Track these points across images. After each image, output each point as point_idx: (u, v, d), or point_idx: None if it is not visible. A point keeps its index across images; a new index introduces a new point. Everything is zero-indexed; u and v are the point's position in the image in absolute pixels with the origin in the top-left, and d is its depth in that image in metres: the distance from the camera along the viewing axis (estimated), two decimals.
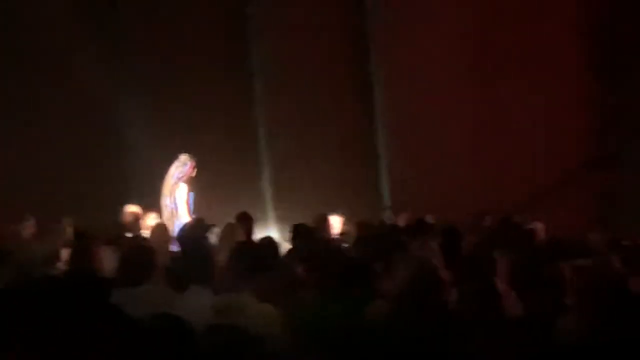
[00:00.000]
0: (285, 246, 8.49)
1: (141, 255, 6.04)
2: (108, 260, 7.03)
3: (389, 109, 14.34)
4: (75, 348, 2.43)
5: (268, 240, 7.28)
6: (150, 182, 12.43)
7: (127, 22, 14.29)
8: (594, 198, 14.74)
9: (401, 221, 10.92)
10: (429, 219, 10.33)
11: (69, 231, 9.00)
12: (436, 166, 13.89)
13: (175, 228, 9.99)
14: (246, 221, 8.99)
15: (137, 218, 11.05)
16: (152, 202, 11.48)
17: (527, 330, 5.07)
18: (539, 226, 10.29)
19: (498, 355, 4.73)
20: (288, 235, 9.07)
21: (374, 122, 14.59)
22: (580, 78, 14.74)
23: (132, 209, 11.28)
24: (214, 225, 8.88)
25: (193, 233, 7.87)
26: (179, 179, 11.22)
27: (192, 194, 11.24)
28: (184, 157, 11.37)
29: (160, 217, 10.85)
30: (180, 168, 11.30)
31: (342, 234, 10.87)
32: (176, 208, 11.02)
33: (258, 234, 9.48)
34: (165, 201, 11.21)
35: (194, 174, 11.35)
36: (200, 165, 11.59)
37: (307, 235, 8.22)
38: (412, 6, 14.08)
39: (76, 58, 13.52)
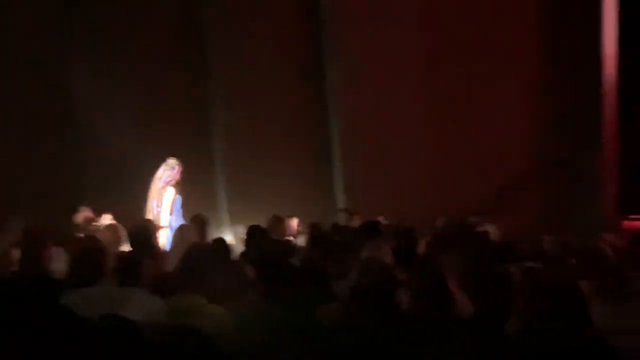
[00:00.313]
0: (239, 248, 8.47)
1: (92, 256, 5.98)
2: (58, 260, 6.96)
3: (343, 112, 14.37)
4: (25, 348, 2.40)
5: (220, 242, 7.25)
6: (106, 184, 12.37)
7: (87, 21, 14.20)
8: (548, 200, 14.89)
9: (355, 222, 10.94)
10: (383, 220, 10.36)
11: (18, 231, 8.90)
12: (390, 168, 13.95)
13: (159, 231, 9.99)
14: (200, 223, 8.95)
15: (89, 219, 10.99)
16: (108, 204, 11.45)
17: (477, 331, 5.09)
18: (491, 228, 10.36)
19: (449, 356, 4.75)
20: (242, 237, 9.07)
21: (328, 124, 14.60)
22: (534, 83, 14.90)
23: (84, 210, 11.23)
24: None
25: (139, 235, 7.80)
26: (167, 182, 11.21)
27: (179, 197, 11.25)
28: (172, 161, 11.38)
29: (113, 218, 10.81)
30: (168, 172, 11.33)
31: (296, 235, 10.87)
32: (164, 212, 11.02)
33: (213, 236, 9.45)
34: (152, 204, 11.20)
35: (180, 178, 11.38)
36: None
37: (261, 236, 8.21)
38: (366, 10, 14.12)
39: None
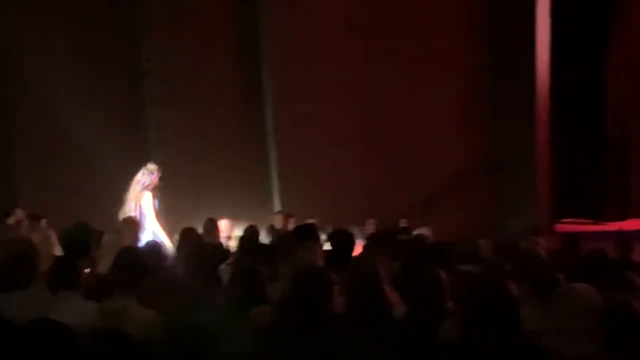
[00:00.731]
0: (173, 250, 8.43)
1: (23, 259, 5.89)
2: None
3: (279, 116, 14.38)
4: None
5: (152, 245, 7.20)
6: (42, 188, 12.25)
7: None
8: (481, 204, 15.06)
9: (290, 225, 10.95)
10: (317, 223, 10.38)
11: None
12: (325, 172, 13.99)
13: (141, 235, 10.01)
14: (132, 226, 8.89)
15: (21, 222, 10.87)
16: (45, 207, 11.37)
17: (410, 334, 5.12)
18: (425, 231, 10.43)
19: (382, 358, 4.77)
20: (176, 239, 9.02)
21: (265, 127, 14.60)
22: (468, 89, 15.07)
23: (17, 213, 11.11)
24: (103, 231, 8.75)
25: (73, 237, 7.70)
26: (145, 187, 11.18)
27: (156, 201, 11.25)
28: (151, 166, 11.36)
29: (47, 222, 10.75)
30: (147, 176, 11.31)
31: (230, 238, 10.84)
32: (142, 216, 10.99)
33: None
34: (130, 206, 11.18)
35: (158, 183, 11.36)
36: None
37: (194, 239, 8.16)
38: (300, 13, 14.15)
39: None
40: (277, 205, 14.13)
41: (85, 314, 5.19)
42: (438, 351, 4.82)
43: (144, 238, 9.90)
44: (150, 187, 11.19)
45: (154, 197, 11.22)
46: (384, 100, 14.59)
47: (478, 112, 15.17)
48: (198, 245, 7.73)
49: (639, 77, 17.04)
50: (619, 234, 12.48)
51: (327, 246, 7.94)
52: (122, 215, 10.88)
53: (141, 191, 11.08)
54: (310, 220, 10.33)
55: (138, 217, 10.81)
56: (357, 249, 8.22)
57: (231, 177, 14.01)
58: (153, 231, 10.69)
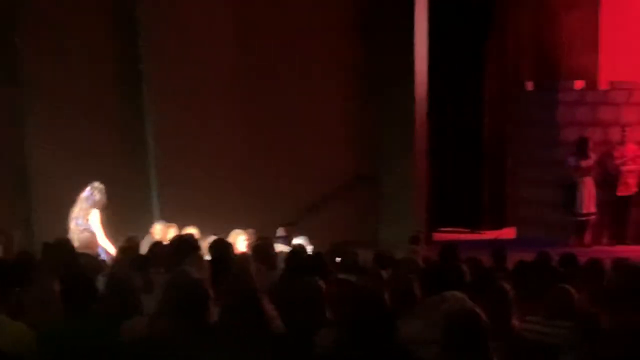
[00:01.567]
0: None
1: None
2: None
3: (159, 124, 14.22)
4: None
5: (23, 257, 7.02)
6: None
7: None
8: (362, 213, 15.19)
9: (170, 235, 10.83)
10: (197, 233, 10.31)
11: None
12: (206, 180, 13.91)
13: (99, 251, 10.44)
14: (5, 238, 8.69)
15: None
16: None
17: (287, 344, 5.11)
18: (304, 240, 10.48)
19: None
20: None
21: (145, 136, 14.42)
22: (347, 99, 15.21)
23: None
24: None
25: None
26: (92, 205, 11.42)
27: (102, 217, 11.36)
28: (96, 184, 11.66)
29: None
30: (95, 194, 11.53)
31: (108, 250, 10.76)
32: (92, 232, 11.12)
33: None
34: (77, 222, 11.15)
35: (105, 200, 11.67)
36: None
37: (68, 251, 7.98)
38: (177, 23, 14.07)
39: None
40: (156, 215, 13.95)
41: None
42: None
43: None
44: (99, 204, 11.43)
45: (102, 214, 11.50)
46: (264, 110, 14.60)
47: (357, 122, 15.30)
48: (71, 257, 7.57)
49: (514, 89, 17.45)
50: (494, 242, 12.77)
51: (207, 256, 7.90)
52: (71, 234, 10.88)
53: (89, 209, 11.30)
54: (190, 230, 10.28)
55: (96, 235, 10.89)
56: (237, 260, 8.19)
57: (110, 186, 13.77)
58: (102, 247, 10.81)
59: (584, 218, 15.44)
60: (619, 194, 15.60)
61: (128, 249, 8.23)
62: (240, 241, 10.87)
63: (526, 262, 8.70)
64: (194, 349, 4.81)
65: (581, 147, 15.40)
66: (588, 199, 15.35)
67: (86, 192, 11.65)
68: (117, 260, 8.06)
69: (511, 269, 8.68)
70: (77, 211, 11.49)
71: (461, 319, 4.58)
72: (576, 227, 15.63)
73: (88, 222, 11.39)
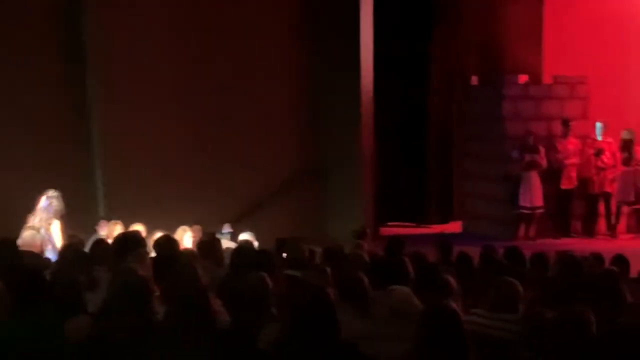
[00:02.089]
0: None
1: None
2: None
3: (104, 122, 14.12)
4: None
5: None
6: None
7: None
8: (309, 208, 15.20)
9: (115, 232, 10.75)
10: (143, 230, 10.25)
11: None
12: (152, 177, 13.84)
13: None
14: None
15: None
16: None
17: (232, 340, 5.09)
18: (250, 236, 10.46)
19: None
20: None
21: (90, 133, 14.30)
22: (294, 96, 15.20)
23: None
24: None
25: None
26: (52, 214, 10.99)
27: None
28: (51, 192, 11.18)
29: None
30: (52, 202, 11.07)
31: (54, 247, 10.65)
32: (52, 242, 10.73)
33: None
34: (41, 232, 10.86)
35: (63, 208, 11.22)
36: None
37: (11, 249, 7.87)
38: (123, 21, 13.98)
39: None
40: (102, 212, 13.84)
41: None
42: (259, 356, 4.82)
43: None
44: (58, 213, 11.09)
45: (61, 222, 11.12)
46: (210, 106, 14.54)
47: (304, 117, 15.30)
48: (14, 255, 7.48)
49: (460, 84, 17.58)
50: (440, 236, 12.84)
51: (152, 253, 7.84)
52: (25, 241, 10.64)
53: (50, 219, 10.95)
54: (137, 227, 10.20)
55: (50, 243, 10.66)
56: (183, 256, 8.14)
57: (54, 183, 13.61)
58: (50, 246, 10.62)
59: (530, 212, 15.58)
60: (562, 187, 15.78)
61: (71, 247, 8.13)
62: (186, 237, 10.84)
63: (465, 254, 8.79)
64: (138, 346, 4.77)
65: (526, 141, 15.56)
66: (533, 192, 15.50)
67: (43, 203, 11.18)
68: (60, 258, 7.96)
69: (454, 261, 8.74)
70: (37, 222, 11.25)
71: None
72: (522, 220, 15.77)
73: (50, 233, 11.15)
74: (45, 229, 10.91)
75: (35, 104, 13.83)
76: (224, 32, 14.66)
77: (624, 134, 15.95)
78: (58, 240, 10.86)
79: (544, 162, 15.54)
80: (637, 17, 17.33)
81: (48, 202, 11.24)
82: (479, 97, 16.70)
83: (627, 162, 15.80)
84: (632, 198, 15.78)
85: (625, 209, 16.06)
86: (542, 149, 15.53)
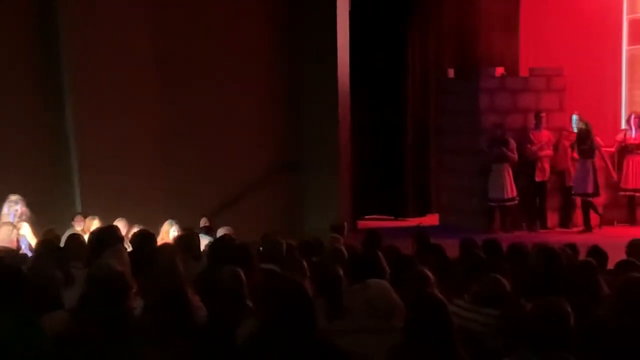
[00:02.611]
0: None
1: None
2: None
3: (80, 116, 14.07)
4: None
5: None
6: None
7: None
8: (287, 202, 15.20)
9: (91, 227, 10.70)
10: (124, 226, 10.22)
11: None
12: (129, 172, 13.82)
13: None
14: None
15: None
16: None
17: (209, 335, 5.09)
18: (227, 230, 10.42)
19: None
20: None
21: (65, 128, 14.24)
22: (270, 91, 15.21)
23: None
24: None
25: None
26: (20, 218, 10.97)
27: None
28: (14, 197, 11.22)
29: None
30: (14, 207, 11.07)
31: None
32: (25, 247, 10.55)
33: None
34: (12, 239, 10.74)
35: (28, 211, 11.26)
36: None
37: None
38: (97, 13, 13.94)
39: None
40: (78, 207, 13.78)
41: None
42: (236, 351, 4.81)
43: None
44: (25, 217, 11.08)
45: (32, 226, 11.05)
46: (187, 100, 14.54)
47: (281, 111, 15.31)
48: None
49: (436, 76, 17.61)
50: (417, 229, 12.84)
51: (129, 248, 7.81)
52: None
53: (17, 223, 10.80)
54: (117, 223, 10.16)
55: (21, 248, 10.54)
56: (161, 252, 8.11)
57: (31, 179, 13.56)
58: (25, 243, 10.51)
59: (505, 204, 15.59)
60: (537, 179, 15.79)
61: (47, 242, 8.08)
62: (172, 232, 10.78)
63: (435, 245, 8.84)
64: (116, 342, 4.75)
65: (494, 134, 15.56)
66: (504, 185, 15.47)
67: (5, 210, 11.25)
68: (36, 253, 7.91)
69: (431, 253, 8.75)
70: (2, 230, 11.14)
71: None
72: (497, 212, 15.79)
73: (22, 237, 11.03)
74: (17, 234, 10.82)
75: (11, 102, 13.79)
76: (200, 28, 14.64)
77: (579, 124, 15.61)
78: (32, 241, 10.75)
79: (514, 155, 15.48)
80: (613, 9, 17.41)
81: (8, 208, 11.11)
82: (456, 90, 16.71)
83: (589, 154, 15.36)
84: (590, 190, 15.38)
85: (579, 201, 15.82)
86: (512, 142, 15.49)
